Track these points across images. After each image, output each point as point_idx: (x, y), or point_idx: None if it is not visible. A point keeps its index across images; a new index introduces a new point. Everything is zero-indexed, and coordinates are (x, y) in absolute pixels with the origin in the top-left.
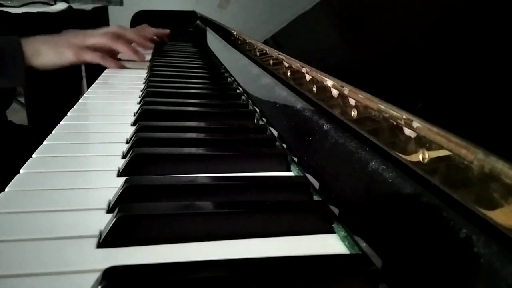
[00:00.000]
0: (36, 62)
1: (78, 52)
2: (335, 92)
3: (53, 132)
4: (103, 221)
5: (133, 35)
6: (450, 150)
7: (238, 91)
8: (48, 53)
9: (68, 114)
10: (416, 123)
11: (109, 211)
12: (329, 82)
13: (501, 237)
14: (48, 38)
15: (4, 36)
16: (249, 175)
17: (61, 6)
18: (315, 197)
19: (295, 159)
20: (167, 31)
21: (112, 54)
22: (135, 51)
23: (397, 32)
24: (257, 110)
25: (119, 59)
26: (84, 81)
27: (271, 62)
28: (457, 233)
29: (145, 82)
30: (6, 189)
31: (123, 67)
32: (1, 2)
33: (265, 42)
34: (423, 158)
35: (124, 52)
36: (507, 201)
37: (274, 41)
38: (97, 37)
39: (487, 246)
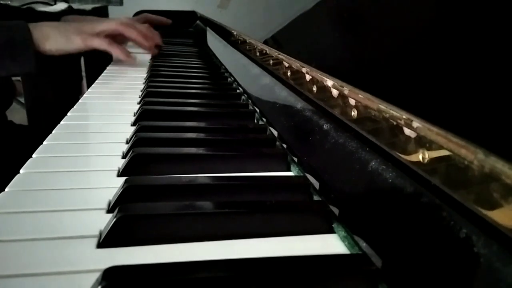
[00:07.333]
0: (44, 47)
1: (87, 38)
2: (335, 92)
3: (53, 132)
4: (103, 221)
5: (144, 28)
6: (450, 150)
7: (238, 91)
8: (56, 38)
9: (68, 114)
10: (416, 123)
11: (109, 211)
12: (329, 82)
13: (501, 237)
14: (57, 24)
15: (11, 21)
16: (249, 175)
17: (61, 6)
18: (315, 197)
19: (295, 159)
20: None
21: (119, 44)
22: (145, 40)
23: (397, 32)
24: (257, 110)
25: (128, 52)
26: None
27: (271, 62)
28: (457, 233)
29: (145, 82)
30: (6, 189)
31: (130, 57)
32: (1, 2)
33: (265, 42)
34: (423, 158)
35: (134, 38)
36: (507, 201)
37: (274, 41)
38: (108, 24)
39: (487, 246)
